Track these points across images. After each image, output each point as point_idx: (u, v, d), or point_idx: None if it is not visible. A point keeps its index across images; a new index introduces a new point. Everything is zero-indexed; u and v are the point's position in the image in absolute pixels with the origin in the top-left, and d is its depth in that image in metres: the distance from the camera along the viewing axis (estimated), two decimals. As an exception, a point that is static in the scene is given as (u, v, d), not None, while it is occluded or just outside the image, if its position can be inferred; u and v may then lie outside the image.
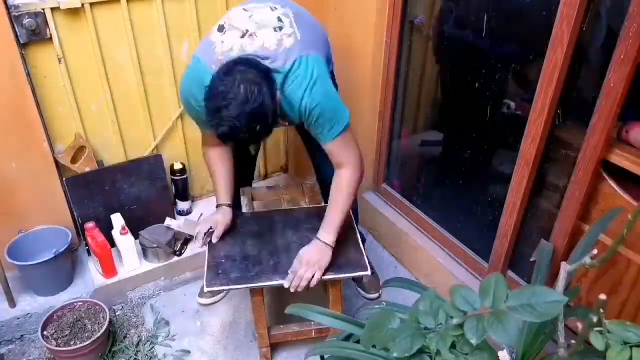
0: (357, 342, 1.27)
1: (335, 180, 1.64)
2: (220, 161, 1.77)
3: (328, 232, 1.62)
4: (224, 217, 1.77)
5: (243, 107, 1.29)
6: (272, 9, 1.55)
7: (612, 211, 1.42)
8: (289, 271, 1.59)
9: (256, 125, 1.33)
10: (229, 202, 1.80)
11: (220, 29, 1.53)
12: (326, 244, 1.61)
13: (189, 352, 1.99)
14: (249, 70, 1.33)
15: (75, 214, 2.15)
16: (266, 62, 1.42)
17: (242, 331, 2.07)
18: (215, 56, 1.47)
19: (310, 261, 1.57)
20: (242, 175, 2.08)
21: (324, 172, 1.84)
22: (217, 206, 1.81)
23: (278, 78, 1.43)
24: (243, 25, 1.50)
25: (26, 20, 1.81)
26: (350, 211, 1.76)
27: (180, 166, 2.40)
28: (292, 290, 1.57)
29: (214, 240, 1.74)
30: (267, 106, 1.32)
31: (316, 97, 1.47)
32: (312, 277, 1.56)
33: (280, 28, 1.50)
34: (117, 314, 2.15)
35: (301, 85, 1.46)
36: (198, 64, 1.52)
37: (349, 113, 1.57)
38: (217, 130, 1.33)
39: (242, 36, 1.48)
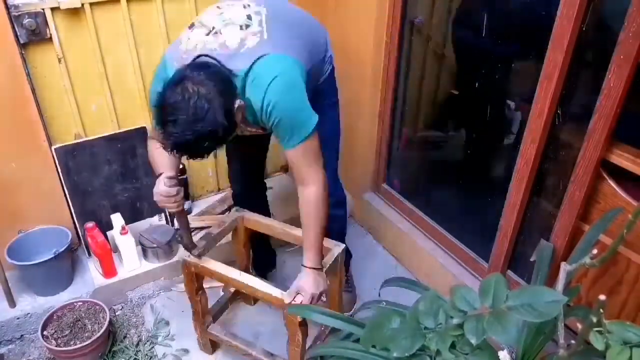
0: (357, 341, 1.27)
1: (303, 202, 1.52)
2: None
3: (314, 257, 1.56)
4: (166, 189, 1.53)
5: (191, 126, 1.20)
6: (244, 7, 1.46)
7: (612, 211, 1.42)
8: (294, 297, 1.54)
9: (204, 142, 1.24)
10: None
11: (191, 26, 1.46)
12: (316, 269, 1.56)
13: (188, 352, 1.98)
14: (205, 80, 1.23)
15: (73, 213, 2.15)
16: (225, 63, 1.33)
17: (242, 331, 2.06)
18: (180, 54, 1.40)
19: (312, 293, 1.53)
20: (252, 175, 2.03)
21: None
22: (158, 175, 1.56)
23: (238, 82, 1.34)
24: (212, 22, 1.42)
25: (26, 20, 1.81)
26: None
27: (180, 166, 2.39)
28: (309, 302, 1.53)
29: (175, 209, 1.57)
30: (218, 123, 1.22)
31: (275, 96, 1.35)
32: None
33: (247, 26, 1.40)
34: (117, 314, 2.15)
35: (261, 85, 1.35)
36: (164, 62, 1.45)
37: (316, 120, 1.43)
38: (165, 141, 1.26)
39: (208, 34, 1.40)
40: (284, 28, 1.47)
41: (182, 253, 1.78)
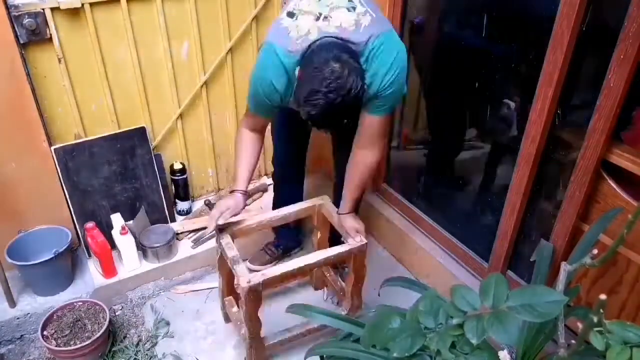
0: (357, 340, 1.27)
1: (363, 163, 1.72)
2: (251, 146, 1.77)
3: (353, 205, 1.82)
4: (236, 205, 1.76)
5: (344, 96, 1.32)
6: None
7: (612, 211, 1.42)
8: (351, 235, 1.78)
9: (349, 111, 1.40)
10: (245, 190, 1.79)
11: (291, 15, 1.51)
12: (350, 213, 1.83)
13: (188, 352, 1.99)
14: (343, 55, 1.36)
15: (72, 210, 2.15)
16: (349, 44, 1.44)
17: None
18: (292, 40, 1.47)
19: (357, 227, 1.79)
20: (295, 165, 2.17)
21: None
22: (231, 191, 1.79)
23: (361, 56, 1.46)
24: (314, 9, 1.49)
25: (26, 20, 1.81)
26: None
27: (180, 166, 2.40)
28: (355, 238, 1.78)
29: (221, 222, 1.74)
30: (363, 93, 1.38)
31: (398, 69, 1.51)
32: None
33: (354, 8, 1.49)
34: (117, 314, 2.15)
35: (385, 62, 1.49)
36: (273, 49, 1.50)
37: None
38: (308, 112, 1.36)
39: (317, 19, 1.47)
40: (376, 7, 1.57)
41: (242, 272, 1.65)
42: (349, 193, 1.80)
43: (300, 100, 1.37)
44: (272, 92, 1.54)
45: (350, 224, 1.81)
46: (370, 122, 1.62)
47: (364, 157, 1.71)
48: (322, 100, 1.32)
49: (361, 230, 1.81)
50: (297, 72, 1.45)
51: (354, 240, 1.78)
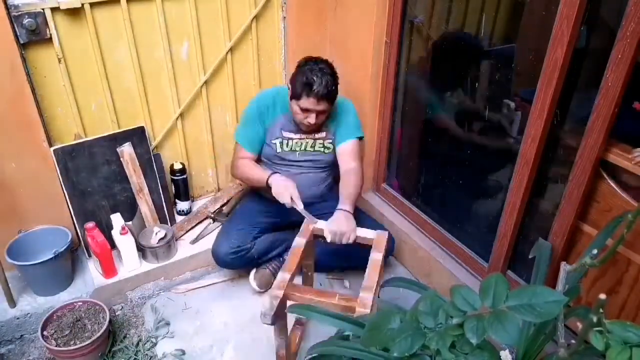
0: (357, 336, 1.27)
1: (351, 171, 2.03)
2: (249, 161, 2.11)
3: (349, 205, 1.92)
4: (287, 180, 1.97)
5: (331, 73, 1.92)
6: None
7: (617, 218, 1.39)
8: (328, 233, 1.81)
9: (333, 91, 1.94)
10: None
11: None
12: (348, 212, 1.89)
13: (188, 352, 1.99)
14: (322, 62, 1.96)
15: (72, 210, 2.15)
16: None
17: (242, 331, 2.07)
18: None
19: (344, 229, 1.81)
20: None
21: None
22: (271, 175, 1.99)
23: None
24: None
25: (26, 20, 1.81)
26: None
27: (180, 166, 2.40)
28: (339, 241, 1.82)
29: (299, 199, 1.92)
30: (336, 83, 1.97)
31: (351, 104, 2.15)
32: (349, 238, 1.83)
33: None
34: (117, 314, 2.15)
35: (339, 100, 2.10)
36: (264, 91, 2.18)
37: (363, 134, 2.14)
38: (310, 84, 1.87)
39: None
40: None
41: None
42: (345, 194, 1.96)
43: (298, 80, 1.90)
44: (265, 105, 2.06)
45: (336, 221, 1.84)
46: (349, 148, 2.07)
47: (350, 168, 2.04)
48: (318, 73, 1.87)
49: (347, 232, 1.80)
50: (288, 86, 1.99)
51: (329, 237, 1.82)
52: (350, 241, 1.81)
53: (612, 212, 1.50)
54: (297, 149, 2.11)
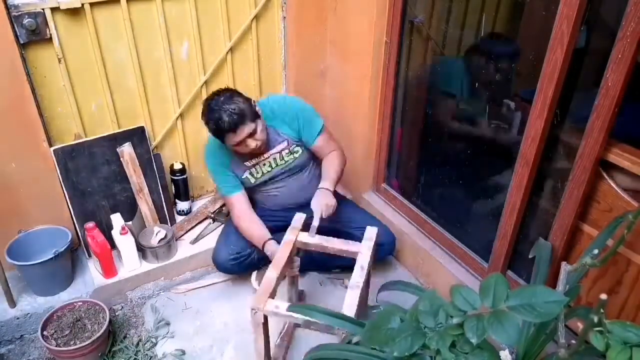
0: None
1: (331, 155, 2.09)
2: (247, 216, 2.09)
3: (330, 184, 2.00)
4: (274, 250, 1.95)
5: (236, 101, 1.86)
6: None
7: (618, 218, 1.39)
8: (314, 211, 1.90)
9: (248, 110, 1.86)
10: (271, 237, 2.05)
11: None
12: (328, 189, 1.98)
13: (188, 352, 1.99)
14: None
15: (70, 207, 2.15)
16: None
17: (242, 331, 2.06)
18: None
19: (326, 203, 1.93)
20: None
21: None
22: (265, 245, 2.00)
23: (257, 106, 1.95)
24: None
25: (26, 20, 1.81)
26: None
27: (180, 166, 2.40)
28: (324, 215, 1.91)
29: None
30: (251, 104, 1.91)
31: (293, 100, 2.10)
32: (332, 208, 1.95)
33: None
34: (117, 314, 2.15)
35: (277, 99, 2.13)
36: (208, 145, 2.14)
37: (322, 120, 2.09)
38: (218, 122, 1.83)
39: None
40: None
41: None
42: (326, 174, 2.04)
43: (210, 125, 1.87)
44: (218, 162, 2.07)
45: (317, 198, 1.95)
46: (319, 146, 2.08)
47: (331, 153, 2.10)
48: (221, 107, 1.83)
49: (330, 205, 1.94)
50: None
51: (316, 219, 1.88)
52: (331, 212, 1.94)
53: (612, 213, 1.50)
54: (268, 169, 2.09)
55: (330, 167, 2.06)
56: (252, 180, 2.09)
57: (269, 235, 2.03)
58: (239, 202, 2.09)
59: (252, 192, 2.17)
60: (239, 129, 1.84)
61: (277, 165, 2.09)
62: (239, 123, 1.83)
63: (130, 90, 2.17)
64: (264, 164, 2.08)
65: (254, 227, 2.06)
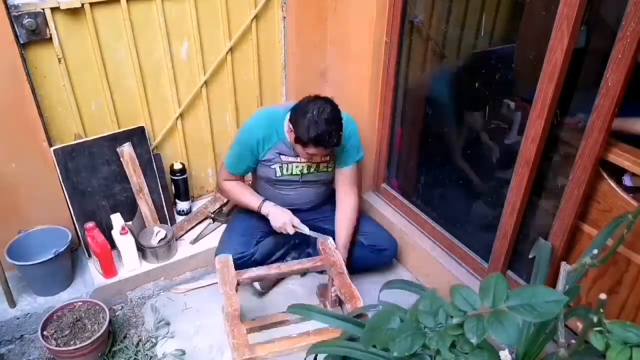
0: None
1: (348, 208, 2.13)
2: (237, 184, 2.15)
3: (343, 251, 2.08)
4: (283, 210, 2.10)
5: (334, 118, 1.82)
6: None
7: (618, 218, 1.39)
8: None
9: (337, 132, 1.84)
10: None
11: None
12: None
13: (189, 352, 1.99)
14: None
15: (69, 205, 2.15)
16: None
17: (242, 331, 2.07)
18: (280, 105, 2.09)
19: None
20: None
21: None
22: (262, 204, 2.09)
23: None
24: None
25: (26, 20, 1.81)
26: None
27: (180, 166, 2.40)
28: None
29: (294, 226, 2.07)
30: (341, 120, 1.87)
31: (354, 129, 2.08)
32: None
33: None
34: (117, 314, 2.15)
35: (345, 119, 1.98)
36: (261, 111, 2.10)
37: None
38: (311, 134, 1.78)
39: None
40: None
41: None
42: (339, 239, 2.11)
43: (303, 129, 1.79)
44: (261, 137, 1.99)
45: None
46: (346, 173, 2.11)
47: (349, 202, 2.13)
48: (324, 124, 1.77)
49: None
50: (286, 118, 1.92)
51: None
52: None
53: (612, 212, 1.50)
54: (299, 172, 2.07)
55: (343, 228, 2.12)
56: (277, 174, 2.07)
57: (262, 198, 2.12)
58: (231, 177, 2.15)
59: (264, 184, 2.15)
60: (327, 150, 1.88)
61: (309, 172, 2.09)
62: (331, 146, 1.84)
63: (130, 90, 2.17)
64: (297, 166, 2.06)
65: (246, 197, 2.14)
